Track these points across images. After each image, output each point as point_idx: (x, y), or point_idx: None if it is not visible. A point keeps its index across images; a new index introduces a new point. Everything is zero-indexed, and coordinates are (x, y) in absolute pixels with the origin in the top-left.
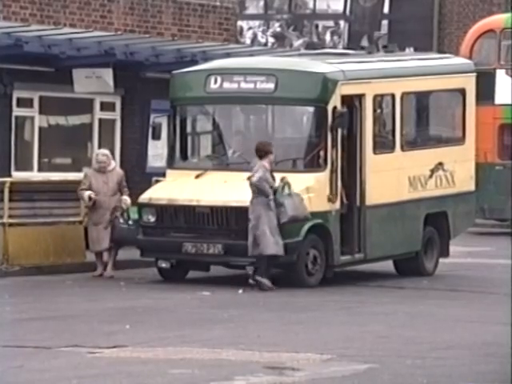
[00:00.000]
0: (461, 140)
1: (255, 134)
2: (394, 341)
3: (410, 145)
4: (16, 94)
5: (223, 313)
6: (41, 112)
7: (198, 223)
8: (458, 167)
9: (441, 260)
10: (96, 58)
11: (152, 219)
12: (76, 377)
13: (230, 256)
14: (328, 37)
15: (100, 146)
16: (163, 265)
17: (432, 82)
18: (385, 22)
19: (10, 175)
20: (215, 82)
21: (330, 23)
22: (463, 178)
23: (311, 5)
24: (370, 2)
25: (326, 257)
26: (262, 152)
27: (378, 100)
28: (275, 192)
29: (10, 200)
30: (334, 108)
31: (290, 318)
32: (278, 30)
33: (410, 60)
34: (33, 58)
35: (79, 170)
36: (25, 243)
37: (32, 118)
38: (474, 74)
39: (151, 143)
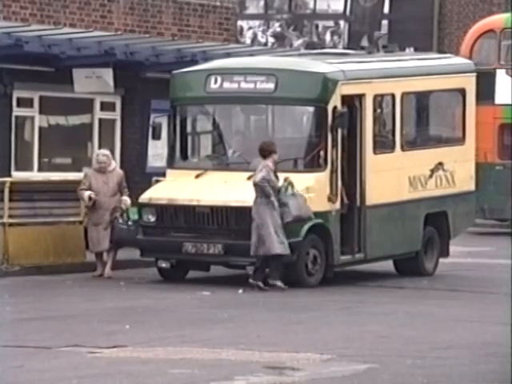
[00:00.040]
0: (461, 140)
1: (255, 134)
2: (394, 341)
3: (410, 145)
4: (16, 94)
5: (223, 313)
6: (41, 112)
7: (198, 223)
8: (458, 167)
9: (441, 260)
10: (96, 58)
11: (152, 219)
12: (76, 377)
13: (230, 256)
14: (328, 37)
15: (100, 146)
16: (163, 265)
17: (432, 82)
18: (385, 22)
19: (10, 175)
20: (215, 81)
21: (330, 23)
22: (463, 178)
23: (311, 5)
24: (370, 1)
25: (326, 257)
26: (266, 152)
27: (378, 100)
28: (279, 192)
29: (10, 200)
30: (334, 108)
31: (289, 318)
32: (278, 29)
33: (410, 60)
34: (33, 58)
35: (79, 170)
36: (25, 243)
37: (32, 118)
38: (474, 73)
39: (151, 143)
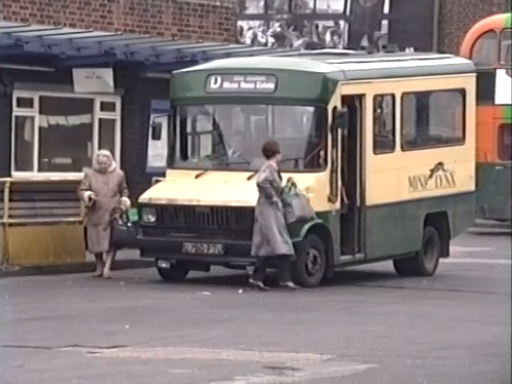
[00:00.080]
0: (461, 140)
1: (255, 134)
2: (394, 341)
3: (410, 145)
4: (16, 94)
5: (223, 313)
6: (41, 112)
7: (198, 223)
8: (458, 167)
9: (441, 260)
10: (96, 58)
11: (152, 219)
12: (76, 377)
13: (230, 256)
14: (328, 37)
15: (100, 146)
16: (163, 265)
17: (432, 82)
18: (385, 22)
19: (10, 175)
20: (215, 81)
21: (330, 23)
22: (463, 178)
23: (311, 5)
24: (370, 1)
25: (326, 257)
26: (269, 152)
27: (378, 100)
28: (282, 192)
29: (10, 200)
30: (334, 108)
31: (289, 318)
32: (278, 29)
33: (410, 60)
34: (33, 58)
35: (79, 170)
36: (25, 243)
37: (32, 118)
38: (474, 74)
39: (151, 143)
